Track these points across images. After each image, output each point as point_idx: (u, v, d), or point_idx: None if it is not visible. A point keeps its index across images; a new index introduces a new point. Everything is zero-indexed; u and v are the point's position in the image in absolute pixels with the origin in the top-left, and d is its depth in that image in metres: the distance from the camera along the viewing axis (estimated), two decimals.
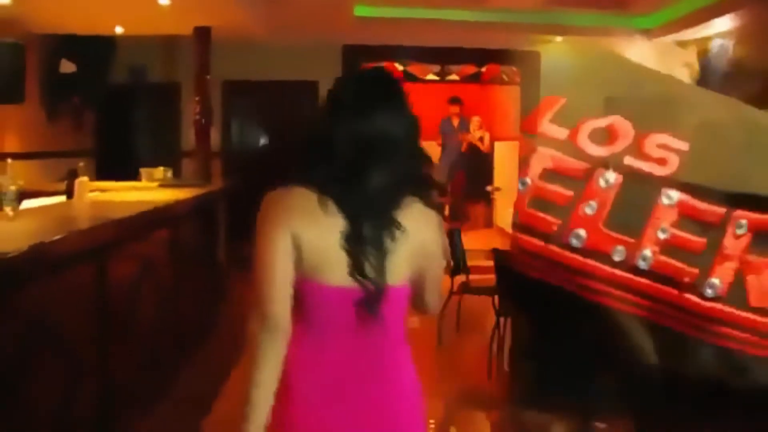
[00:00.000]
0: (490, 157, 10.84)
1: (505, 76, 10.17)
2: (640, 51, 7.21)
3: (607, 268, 2.30)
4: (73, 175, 5.01)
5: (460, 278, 6.04)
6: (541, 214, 2.36)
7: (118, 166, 7.76)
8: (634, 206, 2.33)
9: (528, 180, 2.38)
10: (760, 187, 2.29)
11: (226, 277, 6.81)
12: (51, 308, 3.09)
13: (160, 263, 4.65)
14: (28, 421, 2.86)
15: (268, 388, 1.71)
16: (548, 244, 2.34)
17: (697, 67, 7.84)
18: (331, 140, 1.77)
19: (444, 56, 9.44)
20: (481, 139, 10.75)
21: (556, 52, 2.54)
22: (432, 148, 10.66)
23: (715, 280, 2.28)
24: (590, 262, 2.31)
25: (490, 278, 5.56)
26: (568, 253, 2.32)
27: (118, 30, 7.27)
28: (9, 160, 3.92)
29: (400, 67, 9.95)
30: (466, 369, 5.61)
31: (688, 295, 2.29)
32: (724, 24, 6.71)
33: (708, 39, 7.16)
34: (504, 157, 10.55)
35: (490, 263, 5.53)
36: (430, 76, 10.06)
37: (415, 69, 10.02)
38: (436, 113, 10.60)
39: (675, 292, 2.30)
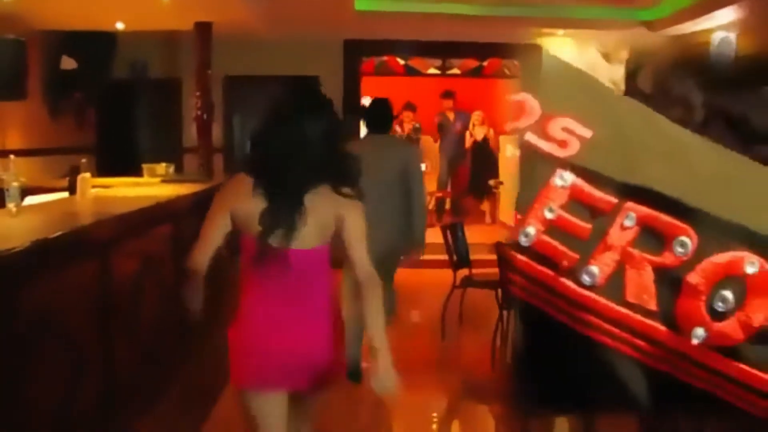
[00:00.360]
0: (495, 152, 10.83)
1: (506, 70, 10.15)
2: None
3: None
4: (75, 171, 5.02)
5: (463, 272, 6.04)
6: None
7: (120, 163, 7.77)
8: (530, 184, 2.31)
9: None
10: (656, 184, 2.24)
11: (228, 272, 6.81)
12: (54, 303, 3.09)
13: (162, 258, 4.65)
14: (30, 417, 2.87)
15: (198, 286, 2.59)
16: None
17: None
18: (265, 140, 2.47)
19: (445, 50, 9.42)
20: (486, 139, 10.60)
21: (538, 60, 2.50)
22: (428, 144, 10.67)
23: (594, 269, 2.23)
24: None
25: (494, 272, 5.56)
26: None
27: (119, 26, 7.27)
28: (12, 157, 3.93)
29: (402, 62, 9.93)
30: (470, 362, 5.62)
31: (563, 279, 2.24)
32: (727, 16, 6.69)
33: (710, 31, 7.15)
34: (508, 150, 10.53)
35: (493, 257, 5.53)
36: (432, 70, 10.04)
37: (416, 63, 10.01)
38: (438, 107, 10.59)
39: (551, 273, 2.26)
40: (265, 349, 2.48)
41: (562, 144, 2.31)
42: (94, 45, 7.82)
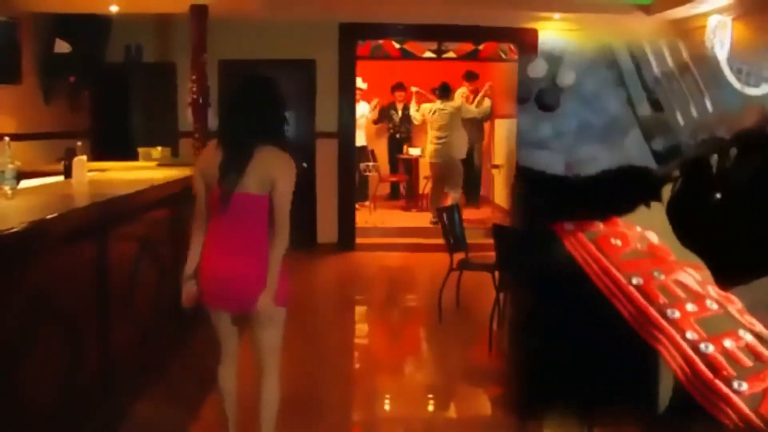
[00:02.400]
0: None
1: (502, 53, 10.13)
2: None
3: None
4: (71, 154, 5.00)
5: (460, 255, 6.05)
6: None
7: (115, 147, 7.74)
8: None
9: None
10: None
11: None
12: (51, 285, 3.09)
13: (159, 241, 4.66)
14: (27, 399, 2.87)
15: (198, 243, 3.23)
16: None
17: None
18: (226, 109, 3.42)
19: (441, 34, 9.38)
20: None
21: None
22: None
23: None
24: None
25: (490, 255, 5.57)
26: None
27: (113, 9, 7.21)
28: (7, 139, 3.90)
29: (397, 45, 9.90)
30: (466, 345, 5.64)
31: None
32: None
33: (707, 15, 7.13)
34: (504, 134, 10.54)
35: (490, 240, 5.54)
36: (427, 54, 10.01)
37: (412, 47, 9.98)
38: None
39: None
40: (209, 276, 3.17)
41: None
42: (88, 28, 7.76)
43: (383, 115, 11.61)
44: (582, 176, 1.59)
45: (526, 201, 2.17)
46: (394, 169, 11.83)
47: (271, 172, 3.08)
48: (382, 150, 11.80)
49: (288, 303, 3.27)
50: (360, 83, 10.72)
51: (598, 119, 1.39)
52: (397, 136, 11.60)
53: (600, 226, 2.15)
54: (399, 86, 11.29)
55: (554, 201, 2.00)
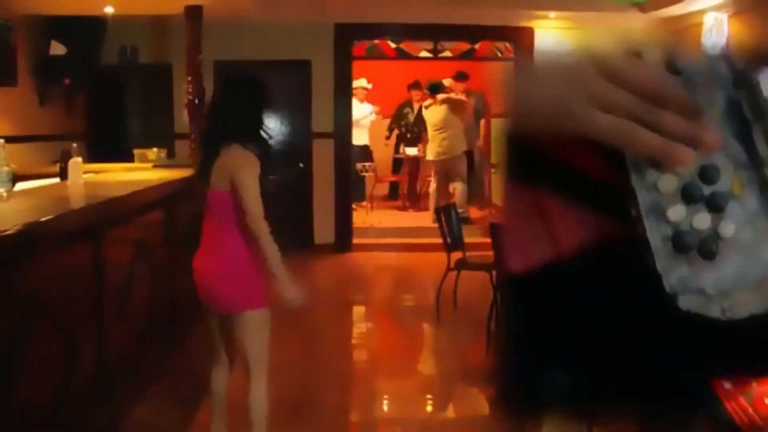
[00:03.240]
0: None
1: (498, 52, 10.13)
2: None
3: None
4: (66, 156, 4.98)
5: (457, 254, 6.04)
6: None
7: (110, 149, 7.72)
8: None
9: None
10: None
11: None
12: (47, 288, 3.07)
13: (154, 243, 4.64)
14: (23, 402, 2.86)
15: None
16: None
17: None
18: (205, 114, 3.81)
19: (437, 33, 9.37)
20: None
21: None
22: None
23: None
24: None
25: (488, 254, 5.56)
26: None
27: (108, 10, 7.19)
28: (1, 141, 3.88)
29: (393, 45, 9.89)
30: (464, 344, 5.63)
31: None
32: None
33: (702, 12, 7.13)
34: (499, 133, 10.52)
35: (487, 239, 5.53)
36: (424, 53, 10.00)
37: (407, 46, 9.96)
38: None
39: None
40: (195, 274, 3.29)
41: None
42: (83, 30, 7.74)
43: (395, 118, 11.58)
44: (736, 320, 1.40)
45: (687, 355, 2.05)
46: (396, 169, 11.80)
47: (230, 168, 3.15)
48: (389, 150, 11.76)
49: (269, 304, 3.24)
50: (365, 83, 10.74)
51: (756, 270, 1.18)
52: (408, 135, 11.46)
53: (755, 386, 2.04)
54: (415, 85, 11.20)
55: (710, 349, 1.87)
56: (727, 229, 0.65)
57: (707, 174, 0.63)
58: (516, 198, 0.74)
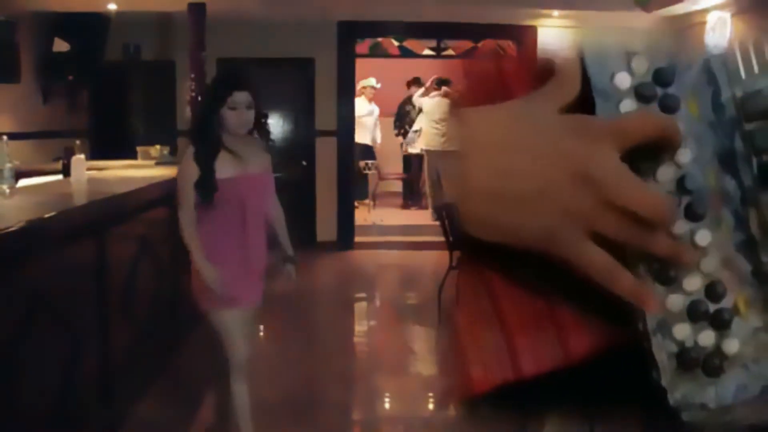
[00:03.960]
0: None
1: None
2: None
3: None
4: (69, 153, 4.99)
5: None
6: None
7: (113, 146, 7.73)
8: None
9: None
10: None
11: None
12: (49, 285, 3.08)
13: (158, 240, 4.64)
14: (26, 399, 2.86)
15: None
16: None
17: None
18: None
19: (440, 32, 9.37)
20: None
21: None
22: None
23: None
24: None
25: None
26: None
27: (111, 7, 7.20)
28: (5, 138, 3.89)
29: (396, 43, 9.88)
30: None
31: None
32: None
33: (706, 11, 7.12)
34: None
35: None
36: (427, 52, 9.99)
37: (411, 45, 9.95)
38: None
39: None
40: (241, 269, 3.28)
41: None
42: (87, 27, 7.75)
43: (398, 117, 11.58)
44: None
45: None
46: (407, 168, 11.79)
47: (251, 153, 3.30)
48: (395, 148, 11.76)
49: (220, 304, 3.16)
50: (374, 83, 10.73)
51: (757, 385, 1.13)
52: (411, 134, 11.48)
53: None
54: (416, 81, 11.18)
55: None
56: (731, 346, 0.65)
57: (713, 291, 0.64)
58: (525, 304, 0.76)
